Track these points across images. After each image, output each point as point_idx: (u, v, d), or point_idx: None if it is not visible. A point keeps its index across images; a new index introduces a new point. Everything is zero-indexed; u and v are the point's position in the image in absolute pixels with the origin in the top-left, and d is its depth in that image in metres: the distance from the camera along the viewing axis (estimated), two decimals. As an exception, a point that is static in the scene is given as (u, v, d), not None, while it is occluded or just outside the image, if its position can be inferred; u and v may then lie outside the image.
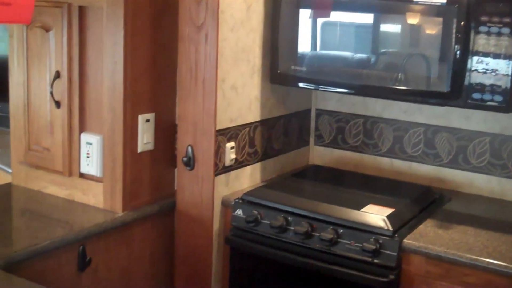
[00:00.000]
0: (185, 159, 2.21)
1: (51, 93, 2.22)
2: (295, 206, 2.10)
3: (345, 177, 2.57)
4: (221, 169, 2.23)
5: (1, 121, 3.54)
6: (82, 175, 2.23)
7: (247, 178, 2.38)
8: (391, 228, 1.92)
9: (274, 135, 2.50)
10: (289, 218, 2.07)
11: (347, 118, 2.65)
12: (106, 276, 2.08)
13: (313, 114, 2.74)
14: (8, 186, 2.41)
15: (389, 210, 2.04)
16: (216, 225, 2.23)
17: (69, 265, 1.94)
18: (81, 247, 1.96)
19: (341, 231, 1.97)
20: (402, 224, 1.99)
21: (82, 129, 2.21)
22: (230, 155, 2.25)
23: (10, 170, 2.47)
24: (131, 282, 2.20)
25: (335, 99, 2.66)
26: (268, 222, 2.10)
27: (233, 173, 2.29)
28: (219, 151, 2.19)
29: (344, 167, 2.65)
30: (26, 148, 2.35)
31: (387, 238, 1.90)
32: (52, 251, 1.87)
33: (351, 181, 2.53)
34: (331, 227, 1.98)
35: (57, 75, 2.20)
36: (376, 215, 1.99)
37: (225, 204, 2.24)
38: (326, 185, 2.48)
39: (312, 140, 2.76)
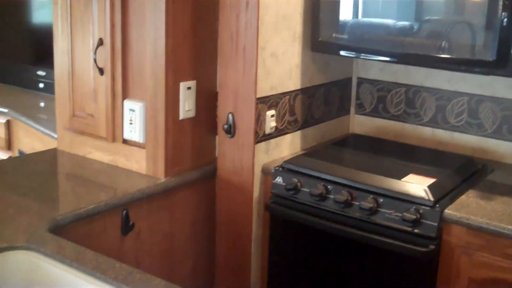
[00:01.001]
0: (225, 126, 2.23)
1: (95, 60, 2.25)
2: (335, 174, 2.10)
3: (386, 147, 2.56)
4: (261, 137, 2.24)
5: (47, 88, 3.62)
6: (125, 141, 2.27)
7: (287, 146, 2.39)
8: (432, 198, 1.91)
9: (314, 104, 2.49)
10: (329, 187, 2.08)
11: (389, 87, 2.62)
12: (148, 240, 2.13)
13: (354, 82, 2.72)
14: (54, 151, 2.47)
15: (430, 180, 2.03)
16: (256, 192, 2.25)
17: (113, 229, 1.99)
18: (124, 212, 2.01)
19: (381, 200, 1.96)
20: (443, 194, 1.97)
21: (125, 95, 2.24)
22: (270, 123, 2.26)
23: (55, 136, 2.53)
24: (173, 246, 2.24)
25: (376, 68, 2.64)
26: (308, 190, 2.11)
27: (273, 141, 2.30)
28: (259, 119, 2.20)
29: (384, 136, 2.63)
30: (71, 114, 2.40)
31: (428, 208, 1.89)
32: (96, 215, 1.92)
33: (392, 151, 2.51)
34: (371, 196, 1.98)
35: (100, 42, 2.23)
36: (417, 185, 1.98)
37: (265, 171, 2.26)
38: (366, 154, 2.48)
39: (352, 109, 2.74)
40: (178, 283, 1.38)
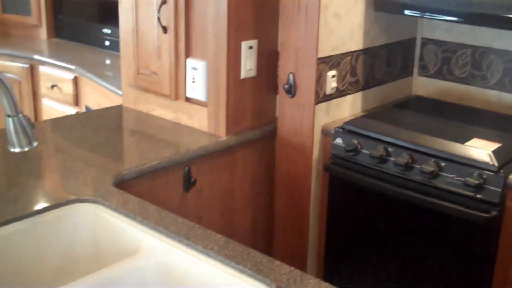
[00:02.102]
0: (286, 86, 2.23)
1: (158, 19, 2.28)
2: (396, 137, 2.08)
3: (449, 109, 2.51)
4: (322, 97, 2.23)
5: (113, 45, 3.69)
6: (187, 99, 2.30)
7: (348, 107, 2.38)
8: (496, 164, 1.87)
9: (376, 65, 2.46)
10: (389, 149, 2.06)
11: (454, 48, 2.55)
12: (209, 196, 2.17)
13: (418, 43, 2.66)
14: (119, 107, 2.54)
15: (495, 145, 1.98)
16: (315, 152, 2.26)
17: (175, 185, 2.04)
18: (186, 168, 2.05)
19: (443, 164, 1.94)
20: (508, 160, 1.93)
21: (188, 54, 2.27)
22: (331, 84, 2.25)
23: (120, 93, 2.59)
24: (233, 203, 2.29)
25: (442, 28, 2.56)
26: (368, 152, 2.10)
27: (333, 101, 2.29)
28: (320, 79, 2.19)
29: (448, 99, 2.58)
30: (135, 72, 2.45)
31: (492, 173, 1.86)
32: (159, 171, 1.97)
33: (456, 114, 2.46)
34: (433, 159, 1.96)
35: (164, 0, 2.25)
36: (481, 150, 1.94)
37: (325, 132, 2.26)
38: (429, 117, 2.44)
39: (416, 70, 2.69)
40: (237, 240, 1.41)
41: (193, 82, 2.25)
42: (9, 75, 3.65)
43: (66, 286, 1.28)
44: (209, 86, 2.22)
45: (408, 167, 2.00)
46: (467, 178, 1.88)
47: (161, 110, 2.39)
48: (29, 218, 1.53)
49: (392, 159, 2.04)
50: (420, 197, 1.98)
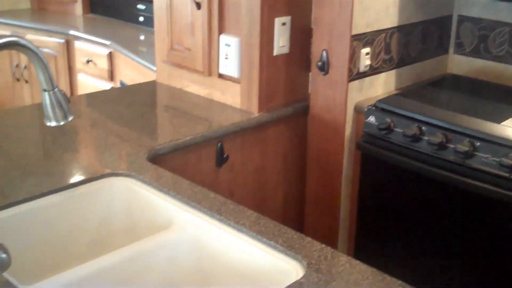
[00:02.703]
0: (319, 63, 2.22)
1: (193, -5, 2.28)
2: (430, 115, 2.06)
3: (485, 89, 2.46)
4: (355, 74, 2.21)
5: (147, 21, 3.71)
6: (220, 76, 2.31)
7: (381, 85, 2.36)
8: (532, 144, 1.84)
9: (411, 42, 2.43)
10: (423, 128, 2.04)
11: (492, 26, 2.50)
12: (241, 172, 2.19)
13: (454, 20, 2.61)
14: (153, 83, 2.56)
15: (531, 125, 1.95)
16: (348, 130, 2.25)
17: (207, 160, 2.06)
18: (219, 144, 2.07)
19: (478, 144, 1.91)
20: (544, 140, 1.90)
21: (221, 30, 2.27)
22: (365, 61, 2.23)
23: (154, 68, 2.61)
24: (265, 179, 2.30)
25: (479, 5, 2.51)
26: (401, 130, 2.08)
27: (367, 79, 2.28)
28: (354, 57, 2.17)
29: (484, 77, 2.53)
30: (169, 47, 2.46)
31: (527, 153, 1.83)
32: (192, 146, 1.99)
33: (492, 93, 2.42)
34: (467, 139, 1.94)
35: (199, -24, 2.25)
36: (516, 130, 1.91)
37: (357, 110, 2.25)
38: (464, 96, 2.41)
39: (451, 48, 2.64)
40: (268, 216, 1.42)
41: (226, 58, 2.25)
42: (45, 50, 3.70)
43: (101, 258, 1.31)
44: (242, 62, 2.22)
45: (442, 146, 1.98)
46: (502, 159, 1.85)
47: (194, 86, 2.40)
48: (64, 191, 1.56)
49: (425, 138, 2.03)
50: (453, 177, 1.96)
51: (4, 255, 1.08)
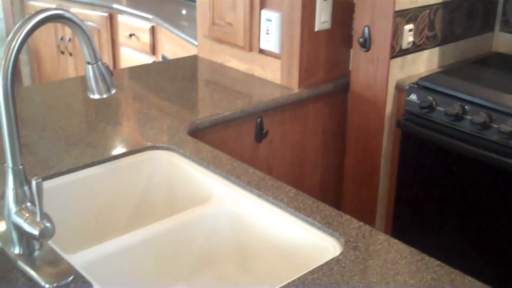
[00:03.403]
0: (361, 39, 2.19)
1: (235, -31, 2.27)
2: (473, 94, 2.03)
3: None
4: (398, 51, 2.18)
5: (189, -4, 3.71)
6: (261, 51, 2.31)
7: (424, 63, 2.32)
8: None
9: (456, 19, 2.37)
10: (466, 107, 2.01)
11: (541, 2, 2.43)
12: (280, 148, 2.19)
13: (501, -3, 2.55)
14: (194, 57, 2.57)
15: None
16: (388, 108, 2.23)
17: (247, 136, 2.07)
18: (258, 120, 2.07)
19: (522, 124, 1.88)
20: None
21: (262, 5, 2.26)
22: (408, 38, 2.19)
23: (196, 43, 2.62)
24: (304, 156, 2.30)
25: (529, -19, 2.44)
26: (443, 109, 2.05)
27: (409, 56, 2.24)
28: (396, 33, 2.14)
29: (531, 56, 2.48)
30: (211, 22, 2.46)
31: None
32: (232, 121, 2.00)
33: (538, 72, 2.37)
34: None
35: (241, -50, 2.24)
36: None
37: (399, 87, 2.22)
38: (509, 75, 2.35)
39: (497, 26, 2.58)
40: (306, 192, 1.43)
41: (267, 33, 2.25)
42: (89, 23, 3.75)
43: (142, 229, 1.34)
44: (283, 38, 2.21)
45: (485, 126, 1.95)
46: (547, 140, 1.81)
47: (235, 61, 2.40)
48: (107, 163, 1.60)
49: (468, 117, 1.99)
50: (497, 157, 1.93)
51: (48, 224, 1.12)
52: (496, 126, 1.92)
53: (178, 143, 1.70)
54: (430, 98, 2.09)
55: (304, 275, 1.12)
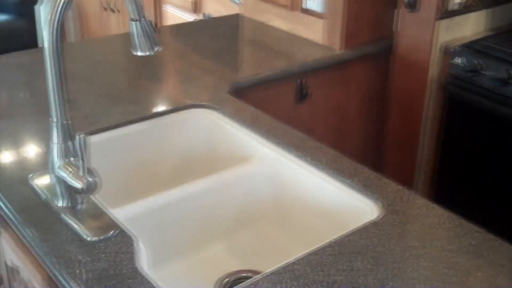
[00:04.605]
0: (407, 0, 2.14)
1: None
2: (521, 59, 1.98)
3: None
4: (444, 13, 2.13)
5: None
6: (304, 10, 2.27)
7: (472, 25, 2.26)
8: None
9: (508, -20, 2.30)
10: (513, 72, 1.96)
11: None
12: (321, 110, 2.18)
13: (557, -43, 2.44)
14: (237, 16, 2.55)
15: None
16: (432, 71, 2.19)
17: (288, 96, 2.06)
18: (299, 80, 2.06)
19: None
20: None
21: (307, -36, 2.22)
22: (456, -1, 2.14)
23: (238, 1, 2.60)
24: (345, 118, 2.29)
25: None
26: (489, 74, 2.01)
27: (456, 18, 2.19)
28: (444, -6, 2.09)
29: None
30: (254, -20, 2.44)
31: None
32: (273, 81, 2.00)
33: None
34: (560, 85, 1.85)
35: None
36: None
37: (444, 50, 2.17)
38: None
39: (551, -13, 2.49)
40: (346, 155, 1.43)
41: (311, -7, 2.21)
42: (132, -21, 3.73)
43: (183, 186, 1.36)
44: (327, -3, 2.18)
45: (532, 92, 1.90)
46: None
47: (277, 20, 2.38)
48: (149, 120, 1.62)
49: (515, 82, 1.95)
50: (542, 124, 1.89)
51: (92, 179, 1.14)
52: (544, 92, 1.88)
53: (219, 102, 1.71)
54: (476, 62, 2.04)
55: (341, 236, 1.13)
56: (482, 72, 2.03)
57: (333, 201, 1.33)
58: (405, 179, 2.35)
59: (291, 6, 2.30)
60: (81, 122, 1.56)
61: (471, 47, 2.09)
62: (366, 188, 1.28)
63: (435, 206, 1.23)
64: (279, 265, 1.05)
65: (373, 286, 1.00)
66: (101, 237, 1.12)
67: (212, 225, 1.42)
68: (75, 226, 1.15)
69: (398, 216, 1.19)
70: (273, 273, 1.03)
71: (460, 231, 1.15)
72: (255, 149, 1.51)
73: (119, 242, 1.11)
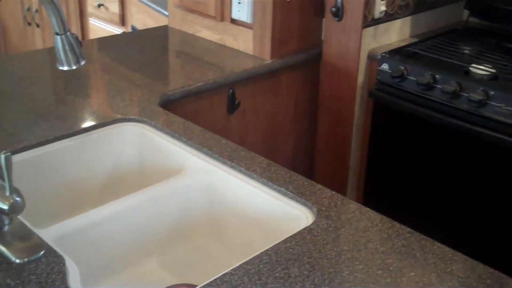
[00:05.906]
0: (333, 9, 2.18)
1: None
2: (444, 63, 2.04)
3: (503, 37, 2.42)
4: (370, 21, 2.18)
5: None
6: (233, 21, 2.28)
7: (396, 32, 2.32)
8: (547, 93, 1.82)
9: (428, -12, 2.38)
10: (436, 76, 2.02)
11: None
12: (253, 119, 2.19)
13: (473, -34, 2.55)
14: (165, 28, 2.53)
15: (547, 74, 1.92)
16: (360, 77, 2.23)
17: (219, 107, 2.06)
18: (230, 91, 2.06)
19: (492, 93, 1.90)
20: (560, 89, 1.88)
21: (234, -26, 2.23)
22: (380, 7, 2.19)
23: (166, 13, 2.58)
24: (276, 126, 2.30)
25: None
26: (415, 78, 2.06)
27: (381, 26, 2.24)
28: (368, 2, 2.13)
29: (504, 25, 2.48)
30: (181, -8, 2.43)
31: (541, 103, 1.81)
32: (204, 92, 1.99)
33: (508, 42, 2.38)
34: (481, 88, 1.92)
35: None
36: (532, 79, 1.89)
37: (371, 57, 2.22)
38: (480, 45, 2.36)
39: (469, -6, 2.59)
40: (279, 163, 1.43)
41: (239, 3, 2.22)
42: (56, -7, 3.65)
43: (114, 202, 1.33)
44: (255, 7, 2.19)
45: (455, 95, 1.97)
46: (516, 108, 1.84)
47: (206, 31, 2.38)
48: (77, 136, 1.57)
49: (439, 86, 2.01)
50: (466, 126, 1.95)
51: (18, 199, 1.10)
52: (466, 95, 1.94)
53: (149, 115, 1.68)
54: (402, 67, 2.10)
55: (277, 244, 1.12)
56: (408, 77, 2.09)
57: (268, 210, 1.33)
58: (338, 184, 2.38)
59: (219, 16, 2.30)
60: (5, 140, 1.51)
61: (397, 53, 2.15)
62: (300, 195, 1.29)
63: (368, 209, 1.25)
64: (216, 276, 1.03)
65: (310, 293, 1.00)
66: (30, 259, 1.07)
67: (147, 240, 1.39)
68: (2, 248, 1.10)
69: (332, 221, 1.20)
70: (210, 285, 1.02)
71: (392, 233, 1.17)
72: (187, 161, 1.49)
73: (50, 263, 1.07)
